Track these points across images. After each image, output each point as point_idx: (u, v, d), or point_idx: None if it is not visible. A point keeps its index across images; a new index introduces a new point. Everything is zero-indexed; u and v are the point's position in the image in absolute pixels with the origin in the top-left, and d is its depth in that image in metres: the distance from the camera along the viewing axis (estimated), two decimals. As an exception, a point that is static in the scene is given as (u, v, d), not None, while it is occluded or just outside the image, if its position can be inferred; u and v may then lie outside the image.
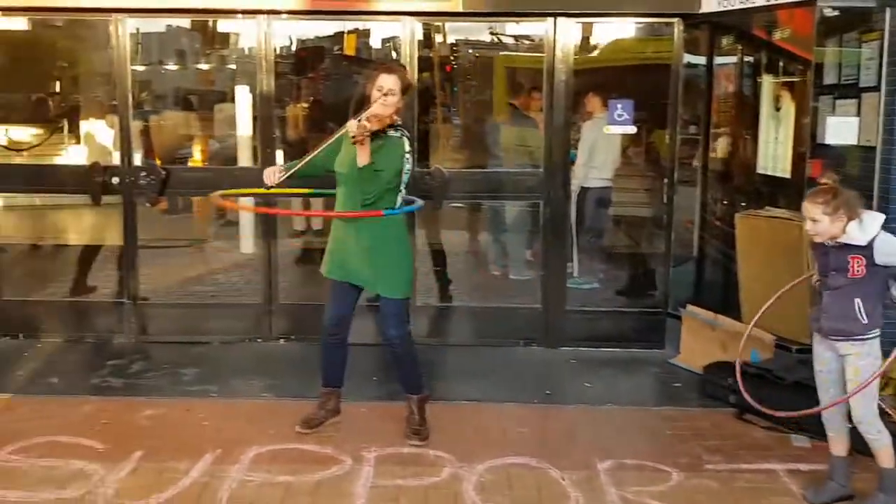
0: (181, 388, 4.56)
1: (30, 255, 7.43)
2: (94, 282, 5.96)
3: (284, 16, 5.00)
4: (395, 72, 3.74)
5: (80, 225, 7.22)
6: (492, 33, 13.48)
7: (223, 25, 5.45)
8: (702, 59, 5.69)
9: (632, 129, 5.32)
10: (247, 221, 7.07)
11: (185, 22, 10.40)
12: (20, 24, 5.11)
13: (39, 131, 10.75)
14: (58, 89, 10.94)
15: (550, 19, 5.00)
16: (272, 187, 3.72)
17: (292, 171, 3.70)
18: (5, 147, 10.50)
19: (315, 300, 5.74)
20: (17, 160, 8.77)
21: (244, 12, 4.91)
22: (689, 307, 5.08)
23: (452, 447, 3.80)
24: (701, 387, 4.62)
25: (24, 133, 10.78)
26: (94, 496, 3.28)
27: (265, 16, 4.92)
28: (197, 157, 8.99)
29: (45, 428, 3.94)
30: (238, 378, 4.72)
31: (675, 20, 5.06)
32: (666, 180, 5.29)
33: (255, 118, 5.20)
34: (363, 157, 3.55)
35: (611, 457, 3.73)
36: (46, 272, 6.74)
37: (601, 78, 6.64)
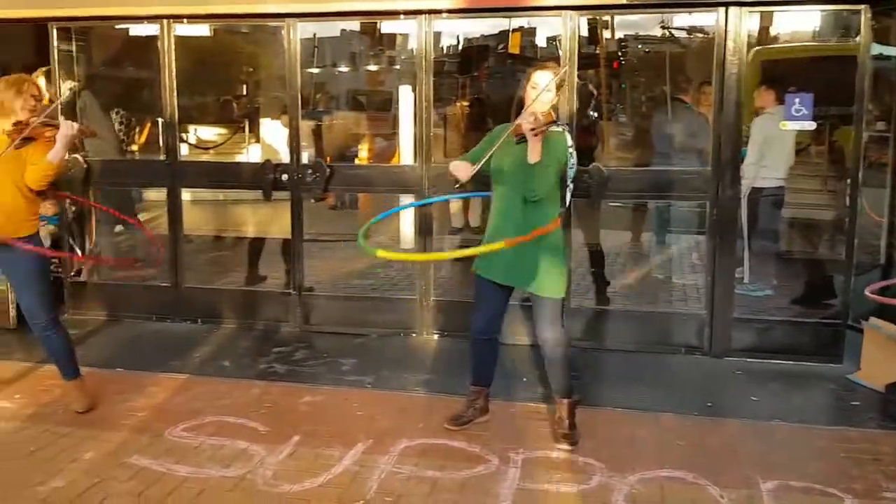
0: (339, 378, 4.72)
1: (210, 246, 8.04)
2: (266, 272, 6.33)
3: (444, 15, 5.04)
4: (549, 69, 3.67)
5: (256, 218, 7.69)
6: (662, 27, 13.01)
7: (389, 27, 5.56)
8: (893, 51, 5.15)
9: (811, 126, 4.91)
10: (407, 218, 7.23)
11: (354, 25, 10.86)
12: (203, 30, 5.48)
13: (224, 131, 11.62)
14: (240, 92, 11.78)
15: (721, 9, 4.71)
16: (461, 185, 3.70)
17: (479, 166, 3.59)
18: (194, 146, 11.44)
19: (469, 297, 5.80)
20: (204, 157, 9.53)
21: (406, 13, 5.00)
22: (873, 320, 4.62)
23: (603, 455, 3.67)
24: (882, 407, 4.21)
25: (211, 133, 11.69)
26: (254, 476, 3.46)
27: (426, 15, 4.98)
28: (363, 154, 9.37)
29: (215, 408, 4.21)
30: (392, 371, 4.83)
31: (861, 7, 4.61)
32: (849, 181, 4.83)
33: (415, 117, 5.26)
34: (535, 154, 3.53)
35: (775, 477, 3.45)
36: (224, 262, 7.25)
37: (777, 71, 6.20)
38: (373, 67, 14.03)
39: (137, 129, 9.00)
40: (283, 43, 5.27)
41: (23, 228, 3.94)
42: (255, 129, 10.09)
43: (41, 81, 5.88)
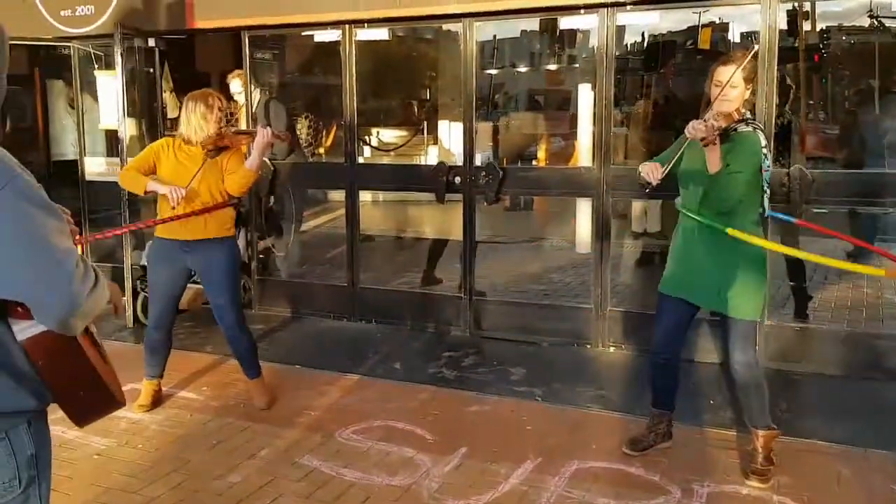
0: (508, 388, 4.56)
1: (390, 246, 8.19)
2: (441, 274, 6.31)
3: (629, 8, 4.74)
4: (734, 62, 3.25)
5: (436, 219, 7.75)
6: (871, 16, 11.75)
7: (569, 23, 5.33)
8: None
9: None
10: (584, 220, 6.96)
11: (533, 24, 10.69)
12: (383, 34, 5.52)
13: (404, 133, 11.87)
14: (421, 95, 11.98)
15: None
16: (651, 185, 3.41)
17: (667, 169, 3.28)
18: (376, 148, 11.77)
19: (650, 309, 5.45)
20: (382, 160, 9.75)
21: (586, 7, 4.75)
22: None
23: (802, 495, 3.25)
24: None
25: (392, 135, 11.98)
26: (419, 487, 3.38)
27: (608, 9, 4.71)
28: (540, 155, 9.18)
29: (384, 412, 4.20)
30: (564, 383, 4.60)
31: None
32: None
33: (595, 117, 4.99)
34: (713, 163, 3.16)
35: None
36: (402, 262, 7.34)
37: None
38: (552, 66, 13.79)
39: (324, 133, 9.36)
40: (460, 44, 5.19)
41: (221, 230, 4.12)
42: (433, 131, 10.22)
43: (235, 84, 6.21)
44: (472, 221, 5.39)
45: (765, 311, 4.46)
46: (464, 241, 5.48)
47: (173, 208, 3.93)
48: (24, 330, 1.56)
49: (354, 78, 5.55)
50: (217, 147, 4.01)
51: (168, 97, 8.47)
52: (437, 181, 5.38)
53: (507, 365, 4.93)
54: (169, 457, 3.69)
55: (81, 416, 1.70)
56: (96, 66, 6.27)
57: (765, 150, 3.25)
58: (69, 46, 6.35)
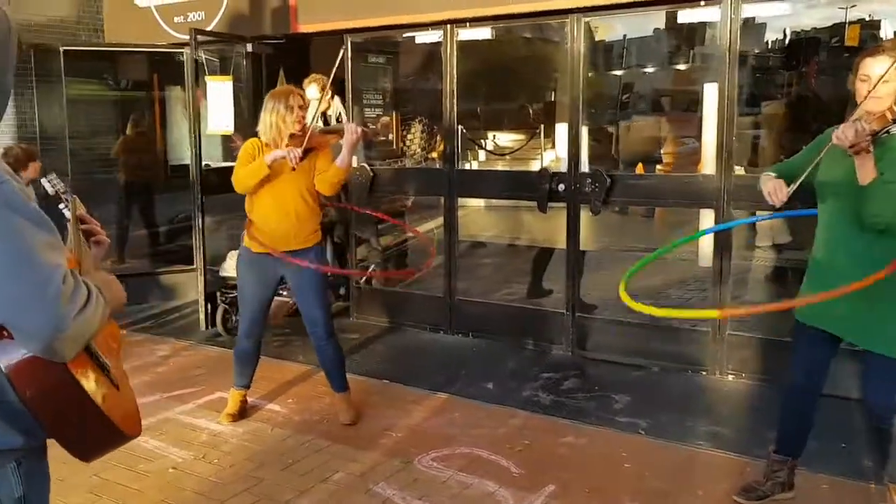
0: (608, 417, 4.16)
1: (493, 254, 7.89)
2: (550, 285, 5.94)
3: (755, -4, 4.23)
4: (885, 52, 2.73)
5: (543, 227, 7.37)
6: None
7: (692, 16, 4.81)
8: None
9: None
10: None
11: (662, 20, 10.10)
12: (485, 34, 5.24)
13: (520, 137, 11.54)
14: (538, 96, 11.62)
15: None
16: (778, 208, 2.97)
17: (794, 187, 2.82)
18: (490, 152, 11.51)
19: (777, 335, 4.89)
20: (498, 164, 9.47)
21: (708, -2, 4.28)
22: None
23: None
24: None
25: (507, 139, 11.69)
26: (496, 530, 3.07)
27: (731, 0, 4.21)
28: (664, 161, 8.60)
29: (470, 437, 3.91)
30: (673, 415, 4.15)
31: None
32: None
33: (718, 119, 4.50)
34: (865, 174, 2.65)
35: None
36: (506, 272, 7.03)
37: None
38: (681, 66, 13.06)
39: (438, 137, 9.19)
40: (567, 42, 4.82)
41: (311, 239, 3.97)
42: (551, 135, 9.84)
43: (312, 90, 6.03)
44: (576, 232, 5.01)
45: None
46: (567, 254, 5.10)
47: (293, 168, 3.77)
48: (8, 355, 1.37)
49: (455, 80, 5.30)
50: (305, 149, 3.86)
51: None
52: (540, 188, 5.03)
53: (610, 391, 4.52)
54: (242, 475, 3.56)
55: (82, 452, 1.50)
56: (207, 72, 6.34)
57: None
58: (182, 53, 6.45)
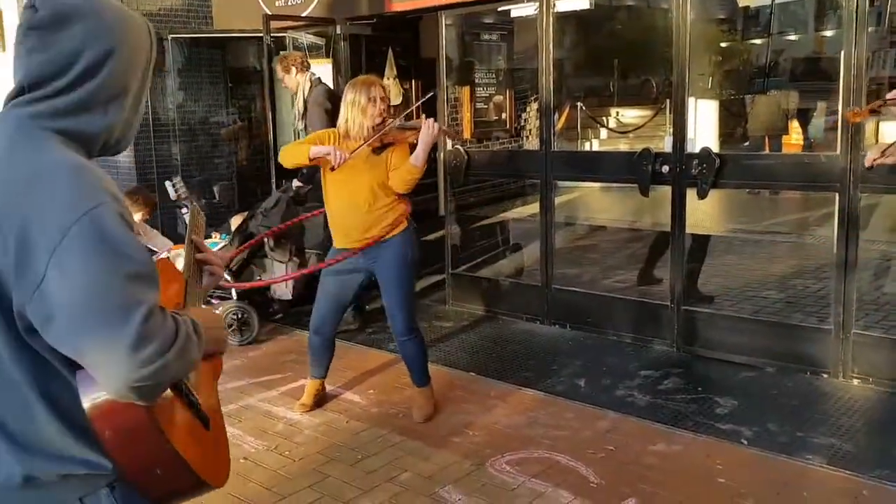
0: (708, 423, 3.77)
1: (597, 239, 7.49)
2: (662, 274, 5.52)
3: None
4: None
5: (657, 210, 6.92)
6: None
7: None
8: None
9: None
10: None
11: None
12: (583, 3, 4.87)
13: (646, 113, 10.95)
14: (662, 70, 10.96)
15: None
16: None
17: None
18: (612, 129, 11.00)
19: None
20: (592, 146, 9.00)
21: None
22: None
23: None
24: None
25: (632, 115, 11.12)
26: (560, 547, 2.81)
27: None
28: (795, 139, 7.87)
29: (550, 440, 3.65)
30: (783, 424, 3.70)
31: None
32: None
33: (843, 88, 3.94)
34: None
35: None
36: (615, 258, 6.64)
37: None
38: (826, 32, 11.93)
39: (556, 115, 8.83)
40: (672, 9, 4.39)
41: (393, 230, 3.79)
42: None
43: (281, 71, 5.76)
44: (681, 218, 4.58)
45: None
46: (672, 242, 4.69)
47: (332, 169, 3.63)
48: (87, 391, 1.26)
49: (552, 56, 4.97)
50: (382, 143, 3.70)
51: (392, 84, 8.48)
52: (642, 170, 4.63)
53: (714, 393, 4.11)
54: (310, 469, 3.48)
55: (161, 498, 1.37)
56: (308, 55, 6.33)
57: None
58: (284, 37, 6.47)
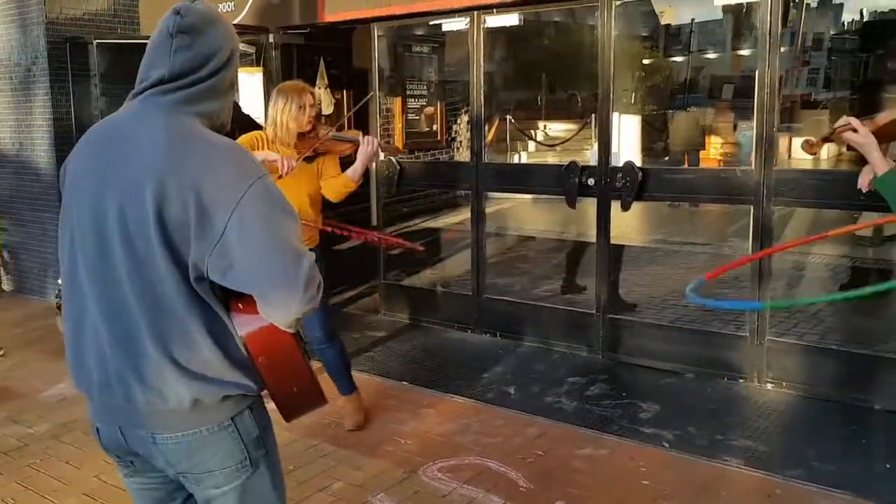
0: (633, 428, 3.90)
1: (525, 249, 7.64)
2: (585, 282, 5.67)
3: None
4: None
5: (581, 220, 7.10)
6: None
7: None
8: None
9: None
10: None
11: (710, 4, 9.62)
12: (513, 20, 4.98)
13: (571, 127, 11.21)
14: (588, 85, 11.27)
15: None
16: None
17: None
18: (539, 142, 11.21)
19: (829, 342, 4.55)
20: (549, 156, 9.18)
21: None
22: None
23: None
24: None
25: (558, 129, 11.37)
26: (491, 551, 2.87)
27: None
28: (712, 153, 8.20)
29: (481, 447, 3.72)
30: (702, 427, 3.86)
31: None
32: None
33: (757, 106, 4.17)
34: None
35: None
36: (536, 268, 6.78)
37: None
38: (742, 51, 12.48)
39: (486, 127, 8.90)
40: (598, 27, 4.54)
41: (310, 244, 3.77)
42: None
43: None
44: (606, 229, 4.73)
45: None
46: (598, 252, 4.83)
47: (280, 177, 3.60)
48: (243, 325, 1.58)
49: (483, 70, 5.07)
50: (316, 152, 3.71)
51: (323, 93, 8.46)
52: (569, 183, 4.77)
53: (637, 398, 4.25)
54: (241, 480, 3.44)
55: (292, 411, 1.69)
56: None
57: None
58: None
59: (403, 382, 4.59)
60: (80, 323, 1.62)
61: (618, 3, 4.46)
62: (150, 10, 6.59)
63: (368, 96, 4.52)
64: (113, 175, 1.55)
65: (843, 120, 2.51)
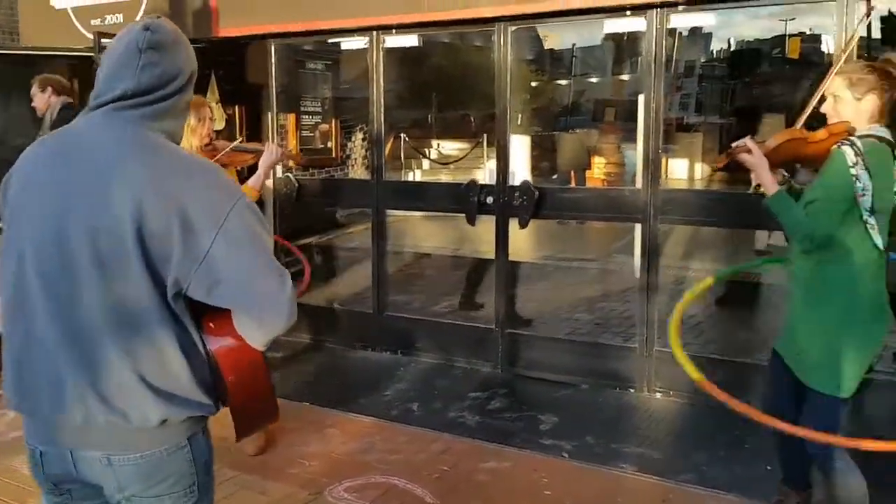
0: (533, 439, 4.01)
1: (426, 266, 7.72)
2: (484, 299, 5.79)
3: (681, 8, 4.14)
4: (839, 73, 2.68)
5: (480, 237, 7.24)
6: None
7: (617, 26, 4.70)
8: None
9: None
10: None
11: (611, 28, 10.09)
12: (412, 41, 5.07)
13: (464, 146, 11.42)
14: (482, 105, 11.54)
15: None
16: None
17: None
18: (434, 160, 11.35)
19: (708, 352, 4.82)
20: (412, 177, 9.28)
21: (633, 8, 4.17)
22: None
23: None
24: None
25: (451, 147, 11.55)
26: (401, 568, 2.89)
27: (657, 10, 4.12)
28: (597, 173, 8.57)
29: (387, 464, 3.72)
30: (599, 436, 4.02)
31: None
32: None
33: (645, 130, 4.41)
34: (765, 187, 2.65)
35: None
36: (437, 286, 6.86)
37: None
38: (623, 76, 13.11)
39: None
40: (494, 50, 4.69)
41: None
42: (493, 144, 9.74)
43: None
44: (505, 246, 4.86)
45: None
46: (497, 268, 4.96)
47: None
48: (216, 343, 1.58)
49: (383, 88, 5.12)
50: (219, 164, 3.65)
51: (214, 108, 8.27)
52: (469, 201, 4.88)
53: (537, 411, 4.38)
54: (138, 510, 3.31)
55: (246, 429, 1.69)
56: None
57: (854, 170, 2.53)
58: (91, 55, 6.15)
59: (305, 403, 4.53)
60: (28, 346, 1.56)
61: (513, 27, 4.61)
62: (33, 21, 6.29)
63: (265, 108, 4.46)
64: (79, 190, 1.51)
65: (740, 141, 2.69)
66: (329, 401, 4.55)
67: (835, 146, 2.61)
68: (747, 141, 2.67)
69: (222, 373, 1.57)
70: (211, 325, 1.58)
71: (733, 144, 2.69)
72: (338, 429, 4.17)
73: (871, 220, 2.56)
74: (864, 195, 2.53)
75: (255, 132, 7.92)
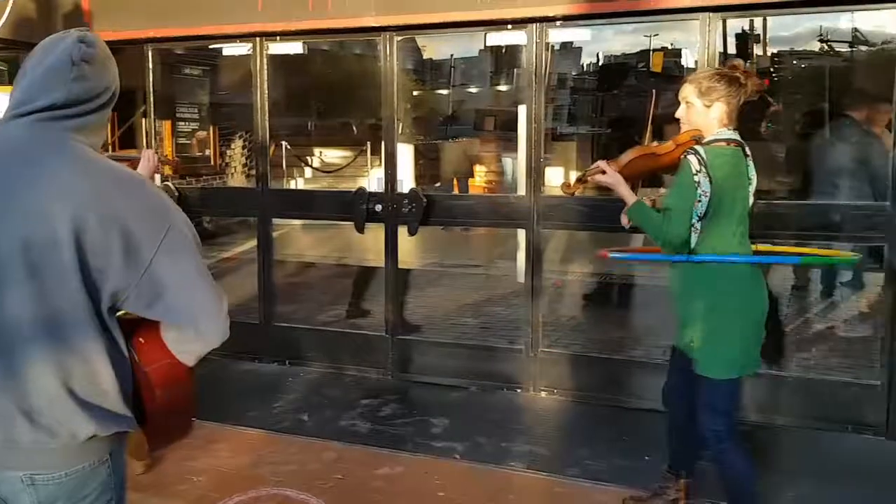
0: (425, 443, 4.08)
1: (311, 276, 7.66)
2: (370, 307, 5.81)
3: (559, 24, 4.34)
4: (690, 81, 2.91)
5: (365, 245, 7.26)
6: (821, 40, 11.68)
7: (500, 40, 4.87)
8: None
9: None
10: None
11: (490, 41, 10.35)
12: (297, 48, 5.05)
13: (347, 154, 11.38)
14: (365, 113, 11.55)
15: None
16: None
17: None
18: (317, 169, 11.25)
19: (586, 351, 5.03)
20: (295, 185, 9.21)
21: (514, 22, 4.33)
22: None
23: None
24: None
25: (334, 156, 11.48)
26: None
27: (537, 24, 4.30)
28: (479, 181, 8.78)
29: (279, 476, 3.68)
30: (489, 436, 4.13)
31: None
32: None
33: (527, 140, 4.58)
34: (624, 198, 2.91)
35: None
36: (324, 294, 6.83)
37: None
38: (502, 87, 13.47)
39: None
40: (380, 60, 4.74)
41: None
42: (378, 152, 9.77)
43: None
44: (394, 253, 4.92)
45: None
46: (386, 275, 5.00)
47: None
48: (147, 357, 1.58)
49: (267, 96, 5.06)
50: None
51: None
52: (357, 209, 4.89)
53: (428, 415, 4.44)
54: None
55: (162, 442, 1.87)
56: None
57: (697, 177, 2.75)
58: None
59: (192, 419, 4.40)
60: None
61: (399, 38, 4.68)
62: None
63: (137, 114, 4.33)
64: (10, 200, 1.48)
65: (594, 164, 2.93)
66: (217, 414, 4.41)
67: (682, 155, 2.83)
68: (600, 163, 2.91)
69: (153, 387, 1.58)
70: (141, 339, 1.59)
71: (588, 169, 2.92)
72: (226, 443, 4.08)
73: (698, 225, 2.79)
74: (699, 201, 2.77)
75: (128, 139, 7.62)
